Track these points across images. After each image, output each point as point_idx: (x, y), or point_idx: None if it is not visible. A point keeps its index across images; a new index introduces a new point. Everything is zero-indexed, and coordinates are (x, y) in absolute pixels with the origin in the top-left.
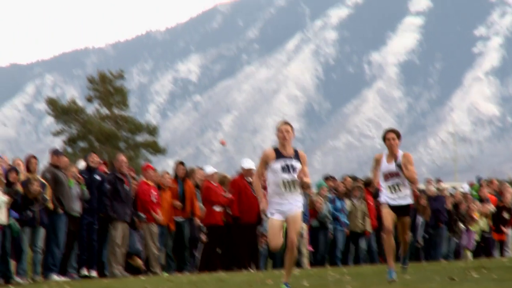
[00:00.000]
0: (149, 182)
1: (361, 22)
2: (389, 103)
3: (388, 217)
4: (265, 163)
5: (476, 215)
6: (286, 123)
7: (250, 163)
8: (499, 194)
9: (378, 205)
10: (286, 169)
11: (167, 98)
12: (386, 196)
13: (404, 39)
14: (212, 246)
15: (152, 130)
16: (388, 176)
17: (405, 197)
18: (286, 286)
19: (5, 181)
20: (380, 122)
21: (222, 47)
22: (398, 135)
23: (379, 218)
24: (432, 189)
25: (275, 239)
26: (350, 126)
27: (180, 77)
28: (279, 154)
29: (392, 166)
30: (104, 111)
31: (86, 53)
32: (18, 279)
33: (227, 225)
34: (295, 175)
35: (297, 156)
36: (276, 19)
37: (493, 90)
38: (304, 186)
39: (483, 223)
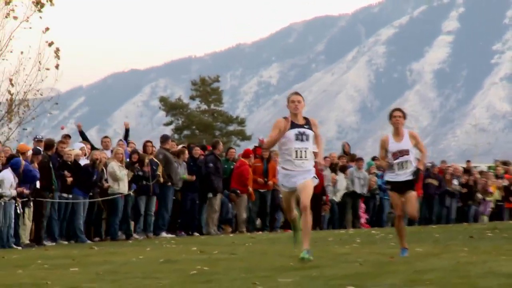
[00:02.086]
0: (246, 161)
1: (405, 39)
2: (425, 102)
3: (398, 200)
4: (278, 129)
5: (492, 188)
6: (297, 93)
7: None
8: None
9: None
10: (300, 137)
11: (252, 96)
12: (393, 175)
13: (438, 52)
14: None
15: (241, 122)
16: (397, 154)
17: (410, 173)
18: (307, 253)
19: (127, 160)
20: (418, 117)
21: (296, 58)
22: (404, 114)
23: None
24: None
25: (289, 210)
26: None
27: (263, 81)
28: (292, 123)
29: (402, 144)
30: (204, 106)
31: (190, 61)
32: (136, 236)
33: None
34: (308, 143)
35: (308, 124)
36: (338, 36)
37: (506, 92)
38: (320, 166)
39: (497, 194)
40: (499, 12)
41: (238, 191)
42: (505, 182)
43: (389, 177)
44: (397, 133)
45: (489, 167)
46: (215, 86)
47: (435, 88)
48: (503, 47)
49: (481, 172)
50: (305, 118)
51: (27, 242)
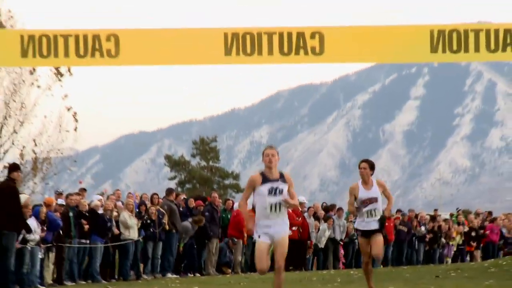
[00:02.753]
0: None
1: (378, 103)
2: (396, 158)
3: (366, 249)
4: (252, 187)
5: (454, 234)
6: (271, 147)
7: (302, 198)
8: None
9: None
10: (272, 192)
11: (246, 154)
12: (363, 223)
13: (407, 115)
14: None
15: (236, 176)
16: (367, 201)
17: (376, 222)
18: None
19: (136, 210)
20: (390, 171)
21: (283, 120)
22: (371, 166)
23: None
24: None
25: (262, 262)
26: None
27: (255, 141)
28: (265, 178)
29: (371, 192)
30: (203, 163)
31: (191, 124)
32: (145, 276)
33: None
34: (281, 198)
35: (283, 178)
36: (320, 101)
37: (466, 150)
38: (290, 207)
39: (459, 239)
40: (460, 80)
41: (235, 239)
42: (466, 229)
43: (359, 225)
44: (366, 182)
45: (451, 215)
46: (213, 145)
47: (405, 146)
48: (463, 110)
49: (444, 220)
50: (280, 173)
51: (50, 282)
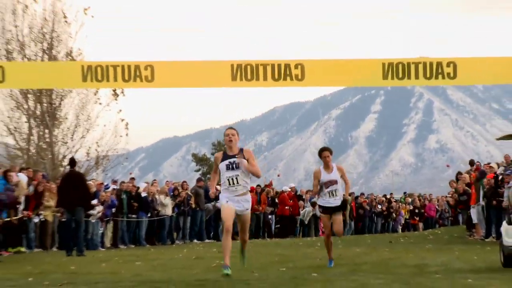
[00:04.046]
0: None
1: (347, 116)
2: (360, 156)
3: (327, 224)
4: (216, 164)
5: (403, 211)
6: (231, 128)
7: (292, 185)
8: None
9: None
10: (230, 166)
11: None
12: (325, 201)
13: (368, 125)
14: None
15: None
16: (328, 183)
17: (339, 199)
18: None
19: (171, 193)
20: (356, 166)
21: (278, 128)
22: (331, 152)
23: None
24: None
25: (228, 221)
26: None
27: (257, 143)
28: (225, 155)
29: (331, 175)
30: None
31: (211, 130)
32: (177, 242)
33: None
34: (238, 171)
35: (241, 154)
36: (305, 114)
37: (411, 150)
38: (254, 175)
39: (406, 214)
40: (406, 99)
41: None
42: (410, 207)
43: (321, 202)
44: (327, 167)
45: (401, 198)
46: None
47: (367, 147)
48: (409, 121)
49: (395, 201)
50: (240, 149)
51: (108, 246)
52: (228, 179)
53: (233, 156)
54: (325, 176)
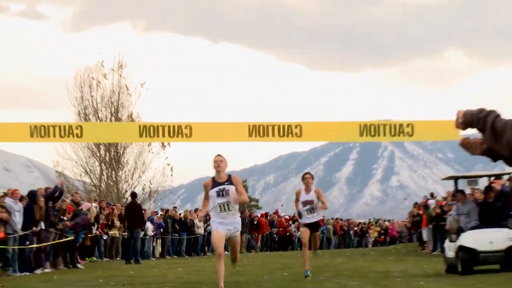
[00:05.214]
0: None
1: (332, 162)
2: (341, 192)
3: (305, 234)
4: (206, 191)
5: (372, 231)
6: (219, 155)
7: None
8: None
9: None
10: (220, 193)
11: (262, 189)
12: (304, 217)
13: (347, 169)
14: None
15: (257, 200)
16: (306, 203)
17: (316, 216)
18: None
19: (204, 218)
20: (338, 198)
21: (282, 171)
22: (312, 177)
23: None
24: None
25: (219, 248)
26: (328, 198)
27: (266, 182)
28: (215, 182)
29: (309, 196)
30: None
31: (233, 172)
32: (208, 253)
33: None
34: (229, 198)
35: (230, 180)
36: (301, 162)
37: (378, 187)
38: (240, 201)
39: (376, 234)
40: (375, 150)
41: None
42: (378, 229)
43: (303, 220)
44: (307, 189)
45: (373, 221)
46: (244, 184)
47: (346, 185)
48: (377, 166)
49: (366, 223)
50: (228, 176)
51: (158, 256)
52: (220, 206)
53: (222, 183)
54: (303, 197)
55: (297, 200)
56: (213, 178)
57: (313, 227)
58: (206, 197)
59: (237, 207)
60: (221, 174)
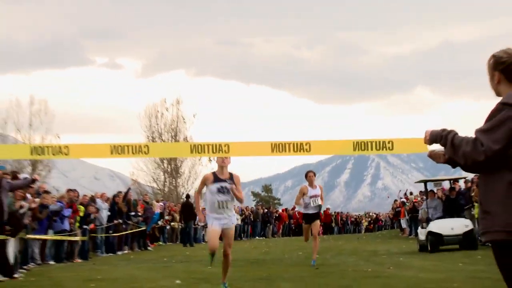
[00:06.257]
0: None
1: (334, 170)
2: (342, 193)
3: (306, 230)
4: (204, 184)
5: (364, 221)
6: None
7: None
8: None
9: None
10: (221, 190)
11: (283, 191)
12: (311, 208)
13: (344, 177)
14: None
15: (279, 199)
16: (313, 196)
17: (318, 208)
18: (224, 285)
19: (240, 213)
20: (339, 197)
21: (297, 178)
22: (314, 174)
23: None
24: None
25: (213, 243)
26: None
27: (286, 186)
28: (216, 178)
29: (315, 190)
30: (266, 194)
31: (260, 180)
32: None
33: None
34: (229, 196)
35: (232, 178)
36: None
37: (368, 189)
38: (238, 199)
39: (366, 223)
40: (365, 162)
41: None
42: (368, 219)
43: (309, 210)
44: (312, 185)
45: (364, 214)
46: (269, 187)
47: (345, 188)
48: (367, 173)
49: (360, 216)
50: (230, 174)
51: (206, 241)
52: (219, 203)
53: (224, 180)
54: (311, 191)
55: (301, 194)
56: (214, 173)
57: (315, 217)
58: (200, 191)
59: (233, 207)
60: (224, 170)
